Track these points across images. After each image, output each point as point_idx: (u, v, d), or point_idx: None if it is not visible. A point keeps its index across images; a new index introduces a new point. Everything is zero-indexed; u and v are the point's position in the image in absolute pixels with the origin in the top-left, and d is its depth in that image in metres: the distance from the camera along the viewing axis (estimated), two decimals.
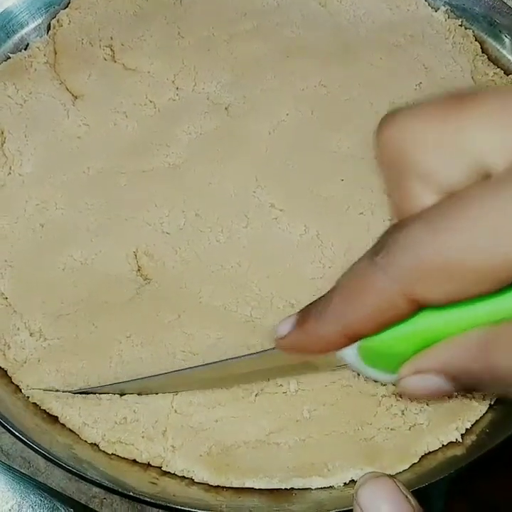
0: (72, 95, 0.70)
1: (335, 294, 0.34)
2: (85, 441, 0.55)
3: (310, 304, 0.35)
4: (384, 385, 0.56)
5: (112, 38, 0.73)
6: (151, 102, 0.70)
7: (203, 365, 0.54)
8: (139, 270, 0.62)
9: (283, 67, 0.73)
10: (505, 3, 0.74)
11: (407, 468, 0.54)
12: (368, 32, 0.76)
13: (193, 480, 0.54)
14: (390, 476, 0.41)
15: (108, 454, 0.54)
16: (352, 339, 0.34)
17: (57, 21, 0.74)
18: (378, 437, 0.55)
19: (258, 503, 0.52)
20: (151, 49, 0.73)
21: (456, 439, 0.55)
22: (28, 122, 0.68)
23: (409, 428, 0.55)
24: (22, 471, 0.55)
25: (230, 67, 0.73)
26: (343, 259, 0.62)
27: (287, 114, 0.70)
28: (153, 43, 0.73)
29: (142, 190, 0.65)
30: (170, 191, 0.65)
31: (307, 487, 0.53)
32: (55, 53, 0.73)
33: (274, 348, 0.39)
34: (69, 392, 0.56)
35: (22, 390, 0.57)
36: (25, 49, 0.73)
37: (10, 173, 0.66)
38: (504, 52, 0.74)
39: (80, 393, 0.56)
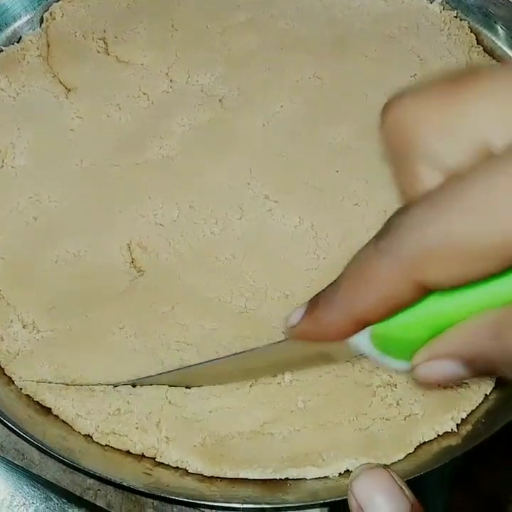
0: (65, 88, 0.70)
1: (342, 280, 0.33)
2: (79, 432, 0.55)
3: (319, 292, 0.35)
4: (379, 375, 0.56)
5: (105, 31, 0.73)
6: (144, 94, 0.70)
7: (224, 356, 0.54)
8: (132, 262, 0.62)
9: (277, 59, 0.72)
10: None
11: (402, 458, 0.54)
12: (362, 24, 0.75)
13: (187, 471, 0.53)
14: (385, 467, 0.41)
15: (102, 445, 0.54)
16: (361, 325, 0.34)
17: (50, 14, 0.74)
18: (373, 427, 0.55)
19: (252, 494, 0.52)
20: (144, 41, 0.73)
21: (452, 429, 0.55)
22: (21, 115, 0.68)
23: (405, 418, 0.55)
24: (16, 462, 0.54)
25: (223, 59, 0.72)
26: (337, 251, 0.62)
27: (281, 106, 0.70)
28: (146, 36, 0.73)
29: (136, 182, 0.65)
30: (164, 183, 0.65)
31: (302, 477, 0.53)
32: (48, 46, 0.72)
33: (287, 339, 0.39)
34: (113, 385, 0.56)
35: (15, 382, 0.57)
36: (17, 42, 0.73)
37: (2, 165, 0.66)
38: (499, 43, 0.74)
39: (124, 384, 0.56)
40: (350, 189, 0.65)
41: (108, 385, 0.56)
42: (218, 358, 0.55)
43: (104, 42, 0.73)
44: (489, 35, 0.74)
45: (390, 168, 0.35)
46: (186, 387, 0.56)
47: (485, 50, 0.74)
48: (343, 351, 0.39)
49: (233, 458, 0.53)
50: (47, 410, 0.56)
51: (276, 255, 0.62)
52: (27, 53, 0.72)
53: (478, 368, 0.33)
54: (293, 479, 0.53)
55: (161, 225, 0.63)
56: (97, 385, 0.56)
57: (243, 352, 0.53)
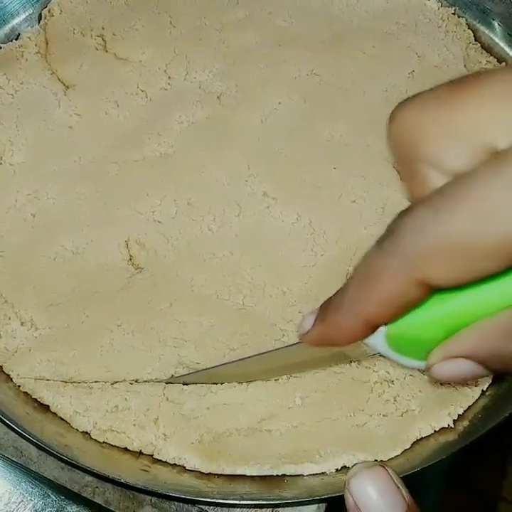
0: (64, 85, 0.70)
1: (350, 284, 0.34)
2: (76, 429, 0.55)
3: (329, 298, 0.36)
4: (376, 371, 0.56)
5: (103, 28, 0.73)
6: (142, 91, 0.70)
7: (252, 356, 0.54)
8: (130, 259, 0.62)
9: (275, 56, 0.73)
10: None
11: (399, 454, 0.54)
12: (360, 20, 0.75)
13: (184, 467, 0.54)
14: (383, 466, 0.41)
15: (99, 442, 0.54)
16: (372, 327, 0.34)
17: (49, 11, 0.74)
18: (370, 423, 0.55)
19: (250, 490, 0.52)
20: (142, 38, 0.73)
21: (449, 425, 0.55)
22: (20, 112, 0.68)
23: (402, 414, 0.55)
24: (14, 459, 0.54)
25: (221, 56, 0.72)
26: (335, 247, 0.62)
27: (279, 103, 0.70)
28: (144, 33, 0.73)
29: (134, 179, 0.65)
30: (162, 180, 0.65)
31: (299, 473, 0.53)
32: (47, 43, 0.72)
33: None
34: (158, 381, 0.56)
35: (13, 379, 0.57)
36: (16, 39, 0.73)
37: (1, 163, 0.66)
38: (497, 40, 0.74)
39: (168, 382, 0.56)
40: (347, 186, 0.65)
41: (106, 382, 0.56)
42: (244, 358, 0.55)
43: (103, 39, 0.73)
44: (487, 31, 0.74)
45: (398, 172, 0.36)
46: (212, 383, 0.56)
47: (482, 46, 0.74)
48: (359, 351, 0.39)
49: (231, 455, 0.53)
50: (45, 407, 0.56)
51: (274, 252, 0.62)
52: (25, 50, 0.72)
53: (493, 367, 0.33)
54: (290, 475, 0.53)
55: (159, 221, 0.63)
56: (94, 382, 0.56)
57: (266, 352, 0.53)
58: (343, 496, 0.50)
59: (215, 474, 0.53)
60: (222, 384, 0.56)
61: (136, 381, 0.56)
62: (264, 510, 0.55)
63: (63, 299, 0.60)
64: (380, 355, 0.38)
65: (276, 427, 0.54)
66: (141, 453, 0.54)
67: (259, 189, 0.65)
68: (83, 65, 0.71)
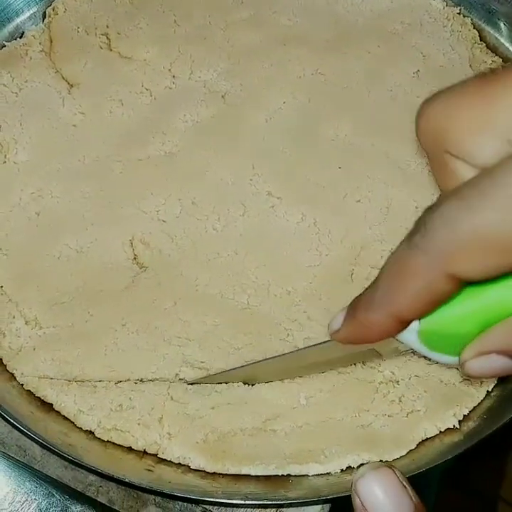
0: (68, 83, 0.70)
1: (380, 280, 0.34)
2: (80, 428, 0.55)
3: (359, 295, 0.36)
4: (381, 372, 0.56)
5: (107, 26, 0.73)
6: (147, 90, 0.70)
7: (286, 353, 0.55)
8: (134, 258, 0.62)
9: (280, 55, 0.72)
10: None
11: (404, 454, 0.54)
12: (365, 20, 0.75)
13: (189, 467, 0.53)
14: (390, 466, 0.41)
15: (103, 441, 0.54)
16: (403, 324, 0.34)
17: (53, 9, 0.74)
18: (375, 424, 0.55)
19: (254, 490, 0.52)
20: (147, 37, 0.73)
21: (454, 426, 0.55)
22: (24, 111, 0.68)
23: (407, 415, 0.55)
24: (18, 459, 0.54)
25: (226, 55, 0.72)
26: (340, 247, 0.62)
27: (284, 102, 0.70)
28: (149, 31, 0.73)
29: (138, 178, 0.65)
30: (166, 179, 0.65)
31: (304, 474, 0.53)
32: (51, 41, 0.72)
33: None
34: (186, 382, 0.56)
35: (17, 378, 0.57)
36: (20, 37, 0.73)
37: (5, 161, 0.66)
38: (502, 40, 0.74)
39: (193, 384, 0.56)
40: (352, 185, 0.65)
41: (110, 381, 0.56)
42: (278, 356, 0.55)
43: (107, 37, 0.73)
44: (492, 31, 0.74)
45: (428, 166, 0.36)
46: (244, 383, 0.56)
47: (488, 46, 0.74)
48: (391, 348, 0.40)
49: (235, 454, 0.53)
50: (49, 406, 0.56)
51: (279, 252, 0.62)
52: (29, 49, 0.72)
53: None
54: (295, 476, 0.53)
55: (163, 221, 0.63)
56: (99, 381, 0.56)
57: (297, 350, 0.54)
58: (348, 496, 0.50)
59: (219, 474, 0.53)
60: (227, 383, 0.56)
61: (140, 380, 0.56)
62: (268, 510, 0.55)
63: (67, 297, 0.59)
64: (413, 352, 0.37)
65: (281, 427, 0.54)
66: (145, 452, 0.54)
67: (264, 188, 0.65)
68: (87, 64, 0.71)
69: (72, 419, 0.55)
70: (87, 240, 0.62)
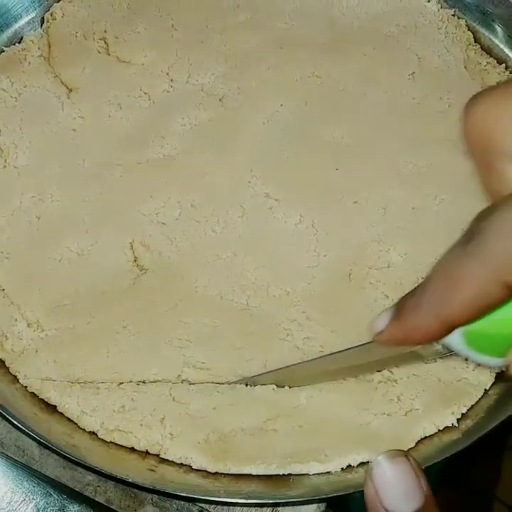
0: (67, 88, 0.71)
1: (429, 283, 0.34)
2: (83, 429, 0.55)
3: (405, 296, 0.35)
4: (380, 370, 0.57)
5: (105, 31, 0.74)
6: (145, 93, 0.71)
7: (324, 356, 0.55)
8: (135, 261, 0.62)
9: (277, 58, 0.73)
10: None
11: None
12: (361, 22, 0.76)
13: (191, 467, 0.54)
14: (406, 455, 0.42)
15: (106, 442, 0.55)
16: (450, 328, 0.34)
17: (51, 15, 0.74)
18: (375, 423, 0.55)
19: (256, 489, 0.52)
20: (144, 41, 0.73)
21: (452, 424, 0.55)
22: (23, 115, 0.69)
23: (406, 413, 0.56)
24: (16, 458, 0.55)
25: (223, 58, 0.73)
26: (338, 248, 0.63)
27: (281, 105, 0.70)
28: (146, 36, 0.74)
29: (138, 181, 0.66)
30: (165, 182, 0.66)
31: (305, 473, 0.53)
32: (49, 46, 0.73)
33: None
34: (227, 383, 0.57)
35: (20, 381, 0.57)
36: (19, 42, 0.74)
37: (5, 165, 0.66)
38: (496, 41, 0.74)
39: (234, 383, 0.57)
40: (349, 187, 0.66)
41: (112, 382, 0.57)
42: (316, 358, 0.56)
43: (105, 42, 0.73)
44: (487, 33, 0.75)
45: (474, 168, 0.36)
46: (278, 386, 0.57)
47: (482, 48, 0.75)
48: (433, 350, 0.40)
49: (237, 454, 0.54)
50: (52, 408, 0.56)
51: (278, 253, 0.62)
52: (28, 54, 0.72)
53: None
54: (296, 475, 0.53)
55: (163, 223, 0.64)
56: (101, 383, 0.57)
57: (336, 352, 0.54)
58: (346, 495, 0.50)
59: (221, 473, 0.54)
60: (230, 384, 0.56)
61: (142, 382, 0.57)
62: (264, 509, 0.55)
63: (69, 300, 0.60)
64: (454, 354, 0.38)
65: (281, 427, 0.55)
66: (147, 453, 0.55)
67: (262, 191, 0.65)
68: (86, 68, 0.72)
69: (75, 421, 0.55)
70: (87, 243, 0.63)
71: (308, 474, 0.53)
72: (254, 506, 0.54)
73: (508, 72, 0.73)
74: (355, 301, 0.60)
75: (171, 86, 0.71)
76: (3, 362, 0.58)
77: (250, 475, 0.53)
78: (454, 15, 0.76)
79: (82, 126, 0.69)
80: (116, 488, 0.56)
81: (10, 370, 0.58)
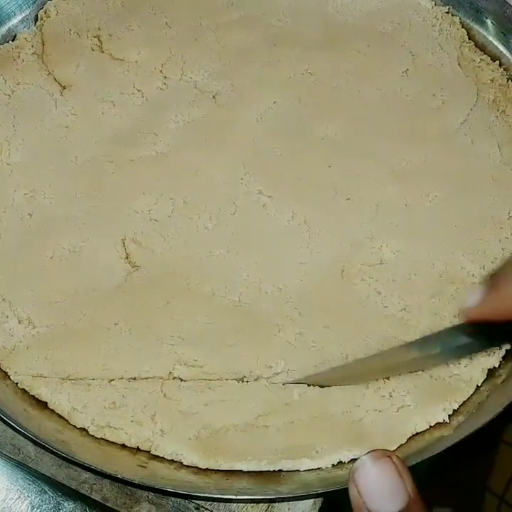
0: (60, 85, 0.71)
1: None
2: (74, 426, 0.55)
3: (495, 271, 0.36)
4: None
5: (99, 29, 0.74)
6: (138, 91, 0.71)
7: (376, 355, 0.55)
8: (127, 257, 0.62)
9: (270, 55, 0.73)
10: None
11: (395, 449, 0.54)
12: (355, 20, 0.76)
13: (182, 463, 0.54)
14: (390, 455, 0.42)
15: (97, 438, 0.55)
16: None
17: (45, 12, 0.74)
18: (366, 419, 0.55)
19: (246, 485, 0.52)
20: (138, 39, 0.73)
21: (444, 420, 0.55)
22: (16, 112, 0.69)
23: (397, 410, 0.56)
24: (11, 456, 0.55)
25: (217, 56, 0.73)
26: (330, 244, 0.63)
27: (275, 102, 0.70)
28: (140, 33, 0.74)
29: (130, 178, 0.66)
30: (158, 179, 0.66)
31: (296, 469, 0.53)
32: (43, 44, 0.73)
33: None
34: (289, 383, 0.56)
35: (10, 377, 0.57)
36: (12, 40, 0.74)
37: None
38: (490, 38, 0.74)
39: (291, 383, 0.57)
40: (342, 184, 0.65)
41: (103, 379, 0.57)
42: (365, 358, 0.56)
43: (99, 39, 0.73)
44: (480, 30, 0.75)
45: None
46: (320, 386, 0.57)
47: (476, 45, 0.75)
48: None
49: (228, 450, 0.54)
50: (43, 404, 0.56)
51: (270, 250, 0.62)
52: (22, 51, 0.72)
53: None
54: (287, 471, 0.53)
55: (155, 220, 0.64)
56: (92, 379, 0.56)
57: (387, 350, 0.54)
58: (338, 490, 0.50)
59: (212, 470, 0.54)
60: (222, 380, 0.56)
61: (134, 379, 0.57)
62: (260, 505, 0.55)
63: (60, 297, 0.60)
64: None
65: (273, 423, 0.55)
66: (138, 449, 0.54)
67: (255, 187, 0.65)
68: (79, 66, 0.72)
69: (66, 417, 0.55)
70: (79, 240, 0.63)
71: (299, 470, 0.53)
72: (245, 502, 0.54)
73: (501, 69, 0.73)
74: (348, 297, 0.60)
75: (165, 83, 0.71)
76: None
77: (241, 471, 0.53)
78: (448, 12, 0.76)
79: (75, 124, 0.69)
80: (112, 486, 0.56)
81: (1, 367, 0.57)
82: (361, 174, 0.66)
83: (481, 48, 0.74)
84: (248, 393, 0.56)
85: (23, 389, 0.57)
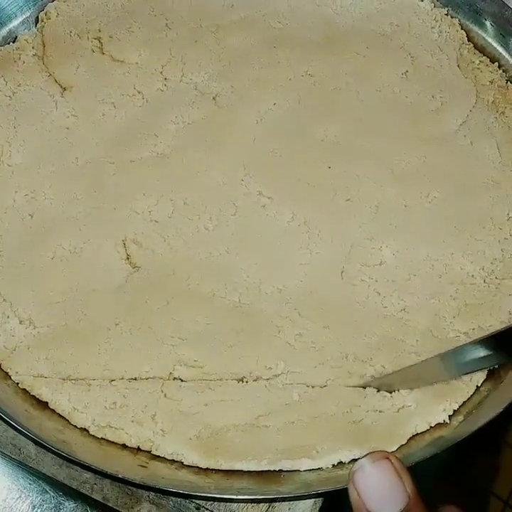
0: (61, 87, 0.71)
1: None
2: (75, 426, 0.55)
3: None
4: (372, 365, 0.57)
5: (99, 30, 0.74)
6: (139, 92, 0.71)
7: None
8: (127, 258, 0.62)
9: (270, 57, 0.73)
10: None
11: (395, 449, 0.54)
12: (354, 22, 0.76)
13: (182, 463, 0.54)
14: (388, 457, 0.42)
15: (98, 438, 0.55)
16: None
17: (46, 14, 0.75)
18: (367, 419, 0.55)
19: (247, 485, 0.53)
20: (138, 40, 0.74)
21: (444, 420, 0.55)
22: (17, 114, 0.69)
23: (398, 410, 0.56)
24: (13, 457, 0.55)
25: (217, 57, 0.73)
26: (330, 245, 0.63)
27: (274, 104, 0.70)
28: (140, 35, 0.74)
29: (131, 179, 0.66)
30: (158, 180, 0.66)
31: (296, 469, 0.54)
32: (44, 46, 0.73)
33: None
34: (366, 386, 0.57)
35: (11, 377, 0.57)
36: (13, 42, 0.74)
37: None
38: (489, 40, 0.75)
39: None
40: (342, 185, 0.66)
41: (104, 379, 0.57)
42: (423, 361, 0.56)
43: (99, 41, 0.74)
44: (480, 32, 0.75)
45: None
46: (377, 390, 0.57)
47: (475, 47, 0.75)
48: None
49: (228, 450, 0.54)
50: (43, 404, 0.56)
51: (270, 250, 0.63)
52: (23, 53, 0.73)
53: None
54: (287, 471, 0.54)
55: (155, 221, 0.64)
56: (93, 380, 0.57)
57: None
58: (339, 490, 0.50)
59: (212, 470, 0.54)
60: (222, 380, 0.56)
61: (134, 379, 0.57)
62: (260, 505, 0.55)
63: (61, 297, 0.60)
64: None
65: (273, 423, 0.55)
66: (139, 449, 0.55)
67: (255, 189, 0.66)
68: (80, 67, 0.72)
69: (66, 417, 0.55)
70: (80, 241, 0.63)
71: (299, 470, 0.54)
72: (245, 502, 0.54)
73: (501, 70, 0.73)
74: (347, 298, 0.60)
75: (165, 85, 0.71)
76: None
77: (241, 471, 0.54)
78: (447, 14, 0.76)
79: (76, 125, 0.69)
80: (113, 486, 0.56)
81: (2, 367, 0.58)
82: (361, 175, 0.66)
83: (480, 49, 0.75)
84: (248, 393, 0.56)
85: (24, 389, 0.57)
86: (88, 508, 0.53)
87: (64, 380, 0.57)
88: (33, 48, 0.73)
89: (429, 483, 0.58)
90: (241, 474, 0.53)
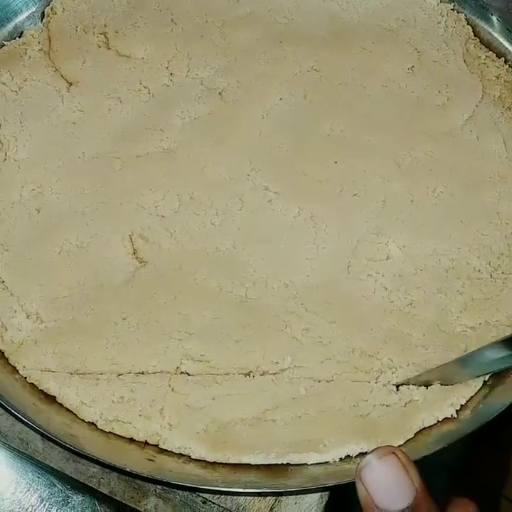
0: (67, 82, 0.71)
1: None
2: (83, 420, 0.55)
3: None
4: (379, 359, 0.57)
5: (105, 25, 0.74)
6: (145, 87, 0.71)
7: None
8: (134, 253, 0.63)
9: (276, 52, 0.73)
10: None
11: (402, 443, 0.54)
12: (360, 17, 0.76)
13: (190, 457, 0.54)
14: (394, 452, 0.42)
15: (105, 432, 0.55)
16: None
17: (51, 9, 0.75)
18: (374, 414, 0.55)
19: (254, 479, 0.53)
20: (144, 36, 0.74)
21: (451, 415, 0.55)
22: (23, 109, 0.69)
23: (405, 404, 0.56)
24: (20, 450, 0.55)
25: (223, 52, 0.73)
26: (336, 240, 0.63)
27: (280, 99, 0.71)
28: (146, 30, 0.74)
29: (137, 174, 0.66)
30: (164, 175, 0.66)
31: (303, 463, 0.54)
32: (50, 41, 0.73)
33: None
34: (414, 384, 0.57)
35: (19, 371, 0.57)
36: (19, 37, 0.74)
37: (5, 158, 0.67)
38: (496, 35, 0.75)
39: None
40: (348, 180, 0.66)
41: (111, 373, 0.57)
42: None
43: (105, 36, 0.74)
44: (486, 27, 0.75)
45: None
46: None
47: (482, 42, 0.75)
48: None
49: (236, 444, 0.54)
50: (51, 398, 0.56)
51: (276, 245, 0.63)
52: (29, 48, 0.73)
53: None
54: (294, 464, 0.54)
55: (162, 216, 0.64)
56: (101, 374, 0.57)
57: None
58: (346, 484, 0.51)
59: (220, 463, 0.54)
60: (229, 374, 0.57)
61: (141, 373, 0.57)
62: (267, 499, 0.55)
63: (68, 292, 0.60)
64: None
65: (280, 417, 0.55)
66: (146, 443, 0.55)
67: (261, 183, 0.66)
68: (86, 62, 0.72)
69: (74, 411, 0.56)
70: (87, 235, 0.63)
71: (306, 464, 0.54)
72: (252, 496, 0.54)
73: (507, 65, 0.73)
74: (354, 292, 0.60)
75: (171, 80, 0.71)
76: (3, 353, 0.58)
77: (249, 465, 0.54)
78: (453, 9, 0.76)
79: (82, 120, 0.69)
80: (120, 480, 0.56)
81: (9, 361, 0.58)
82: (367, 170, 0.66)
83: (487, 44, 0.75)
84: (255, 388, 0.56)
85: (32, 383, 0.57)
86: (96, 502, 0.53)
87: (71, 374, 0.57)
88: (39, 43, 0.73)
89: (438, 485, 0.58)
90: (248, 468, 0.54)
